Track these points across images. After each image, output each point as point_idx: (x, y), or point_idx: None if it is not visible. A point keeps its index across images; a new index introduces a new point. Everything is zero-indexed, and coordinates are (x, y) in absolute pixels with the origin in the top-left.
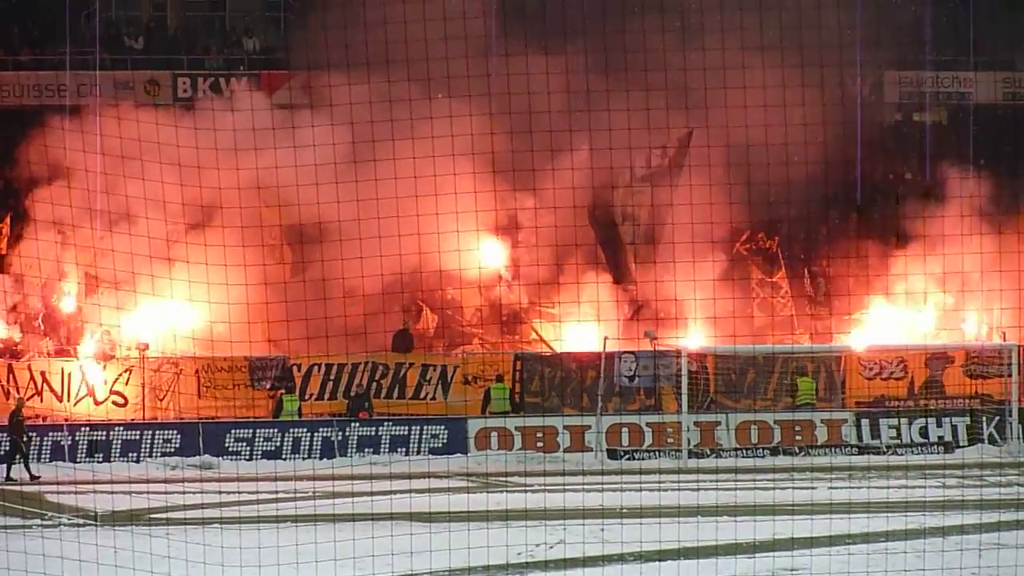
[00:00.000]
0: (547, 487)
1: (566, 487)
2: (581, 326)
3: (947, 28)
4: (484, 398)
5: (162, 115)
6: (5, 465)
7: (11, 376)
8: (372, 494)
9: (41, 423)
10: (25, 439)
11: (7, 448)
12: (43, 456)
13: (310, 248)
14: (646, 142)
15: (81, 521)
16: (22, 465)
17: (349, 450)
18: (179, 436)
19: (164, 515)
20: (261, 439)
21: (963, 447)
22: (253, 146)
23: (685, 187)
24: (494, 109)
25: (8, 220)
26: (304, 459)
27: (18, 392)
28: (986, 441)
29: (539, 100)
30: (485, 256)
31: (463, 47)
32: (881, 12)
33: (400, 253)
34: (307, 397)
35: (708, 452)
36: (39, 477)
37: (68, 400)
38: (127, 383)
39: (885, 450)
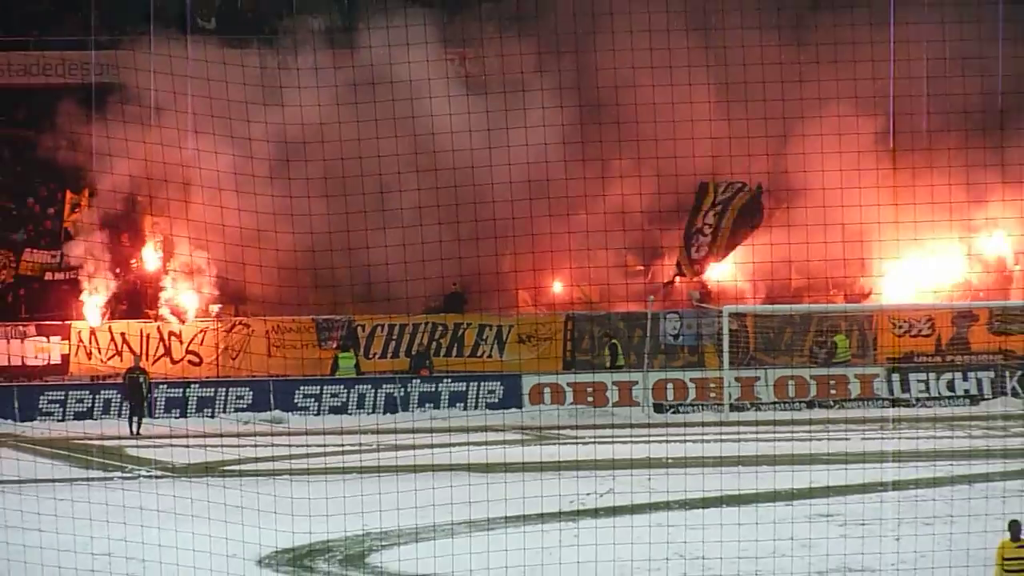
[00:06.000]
0: (597, 439)
1: (615, 439)
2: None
3: None
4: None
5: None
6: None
7: (93, 338)
8: (432, 447)
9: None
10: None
11: (129, 407)
12: (123, 412)
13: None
14: None
15: (159, 473)
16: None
17: (411, 405)
18: (251, 393)
19: (237, 467)
20: (328, 395)
21: (988, 399)
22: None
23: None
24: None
25: (86, 193)
26: (368, 414)
27: (99, 352)
28: (1009, 394)
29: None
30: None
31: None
32: None
33: (458, 220)
34: (371, 356)
35: (748, 406)
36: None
37: (147, 359)
38: (202, 343)
39: (914, 403)
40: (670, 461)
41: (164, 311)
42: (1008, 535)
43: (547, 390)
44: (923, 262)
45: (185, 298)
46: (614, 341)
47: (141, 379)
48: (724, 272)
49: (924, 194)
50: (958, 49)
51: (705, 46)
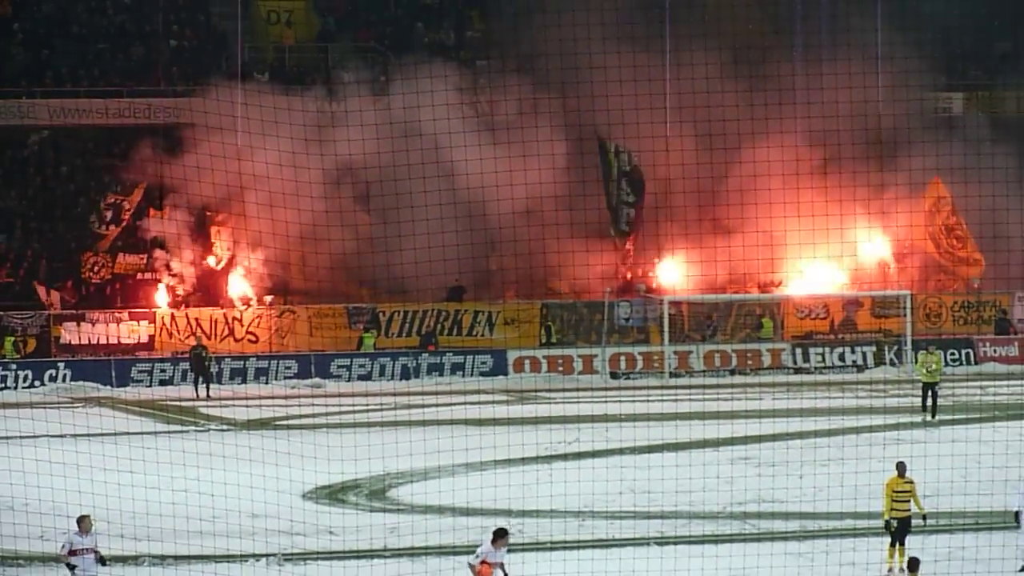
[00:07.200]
0: (566, 400)
1: (579, 400)
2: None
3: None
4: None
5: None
6: (195, 386)
7: (173, 322)
8: (438, 406)
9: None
10: (207, 367)
11: (194, 375)
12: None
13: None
14: None
15: (225, 427)
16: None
17: (421, 373)
18: (297, 364)
19: (286, 422)
20: (357, 366)
21: (870, 368)
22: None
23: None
24: None
25: (166, 210)
26: (388, 380)
27: (178, 333)
28: (888, 363)
29: None
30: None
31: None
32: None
33: (458, 229)
34: (390, 334)
35: (684, 373)
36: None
37: (215, 339)
38: (258, 326)
39: (813, 371)
40: (623, 416)
41: (230, 300)
42: (896, 473)
43: (527, 361)
44: (821, 262)
45: (245, 290)
46: (549, 324)
47: (203, 353)
48: (664, 270)
49: (821, 208)
50: (854, 95)
51: (672, 92)
